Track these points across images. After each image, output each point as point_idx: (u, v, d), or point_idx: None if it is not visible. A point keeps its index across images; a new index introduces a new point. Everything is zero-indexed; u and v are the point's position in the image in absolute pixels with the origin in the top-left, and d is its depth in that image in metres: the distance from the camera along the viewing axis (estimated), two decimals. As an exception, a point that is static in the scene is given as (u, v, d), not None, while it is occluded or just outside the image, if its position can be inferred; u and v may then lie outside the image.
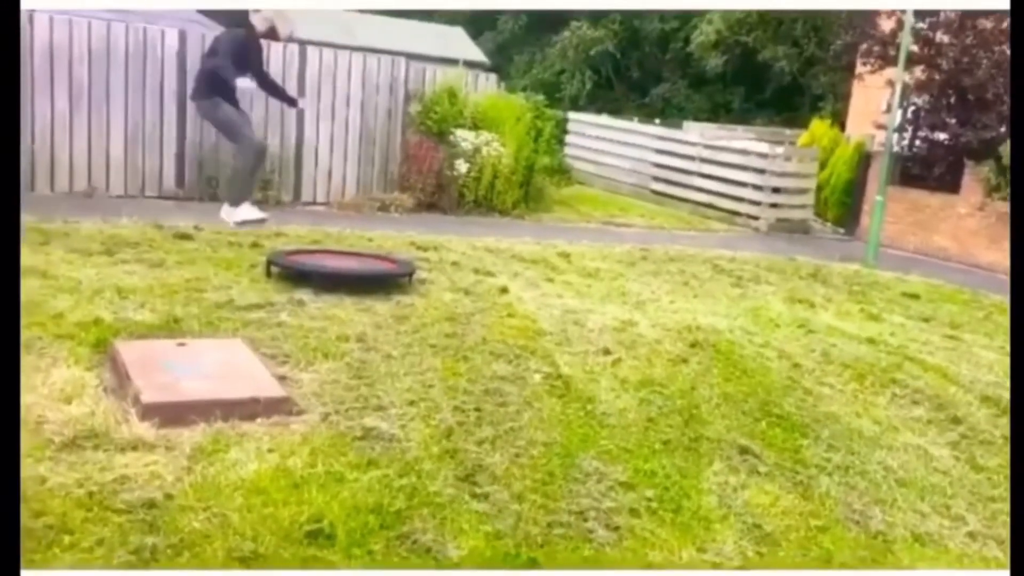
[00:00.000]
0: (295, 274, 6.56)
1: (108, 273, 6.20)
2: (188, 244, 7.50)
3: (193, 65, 10.44)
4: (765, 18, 22.81)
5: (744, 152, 14.51)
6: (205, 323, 5.31)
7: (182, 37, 10.46)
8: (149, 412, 3.83)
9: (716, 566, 3.32)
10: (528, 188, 12.59)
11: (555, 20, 26.15)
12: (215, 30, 13.11)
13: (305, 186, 11.34)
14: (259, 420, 3.97)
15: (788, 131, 18.16)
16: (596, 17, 25.34)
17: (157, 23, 11.38)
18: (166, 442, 3.68)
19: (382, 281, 6.74)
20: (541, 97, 15.68)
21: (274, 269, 6.63)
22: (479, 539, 3.26)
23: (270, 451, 3.69)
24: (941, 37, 13.05)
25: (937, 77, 13.08)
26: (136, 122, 10.30)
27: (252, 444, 3.74)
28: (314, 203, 11.32)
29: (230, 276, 6.52)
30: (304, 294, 6.17)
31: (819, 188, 14.83)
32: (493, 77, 13.45)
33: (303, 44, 11.67)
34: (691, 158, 15.34)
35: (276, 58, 10.95)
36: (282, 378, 4.51)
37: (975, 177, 12.73)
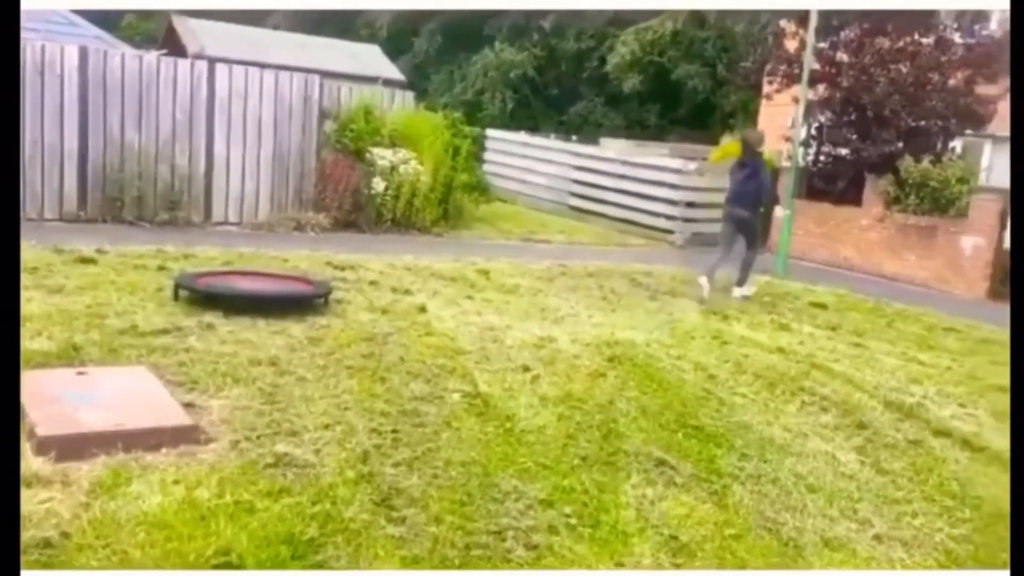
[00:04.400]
0: (205, 297, 6.37)
1: (3, 300, 5.90)
2: (90, 268, 7.21)
3: (96, 82, 10.11)
4: (677, 39, 23.46)
5: (659, 168, 14.83)
6: (107, 351, 5.10)
7: (83, 54, 10.11)
8: (45, 446, 3.64)
9: (634, 580, 3.33)
10: (447, 205, 12.57)
11: (472, 40, 26.25)
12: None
13: (216, 205, 11.06)
14: (164, 451, 3.82)
15: (701, 147, 18.61)
16: (516, 37, 25.56)
17: (57, 40, 10.97)
18: (63, 477, 3.50)
19: (296, 302, 6.60)
20: (459, 115, 15.68)
21: (182, 292, 6.42)
22: (395, 564, 3.20)
23: (175, 483, 3.55)
24: (841, 56, 13.61)
25: (838, 95, 13.63)
26: (35, 141, 9.88)
27: (156, 476, 3.59)
28: (226, 223, 11.04)
29: (135, 300, 6.29)
30: (214, 317, 5.99)
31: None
32: (410, 95, 13.40)
33: (212, 61, 11.43)
34: (608, 174, 15.57)
35: (183, 75, 10.69)
36: (189, 406, 4.36)
37: (875, 191, 13.28)
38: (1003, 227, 12.20)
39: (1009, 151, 3.43)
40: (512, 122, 22.51)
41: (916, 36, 13.18)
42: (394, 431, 4.36)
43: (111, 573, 2.83)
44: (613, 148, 17.35)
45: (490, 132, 19.31)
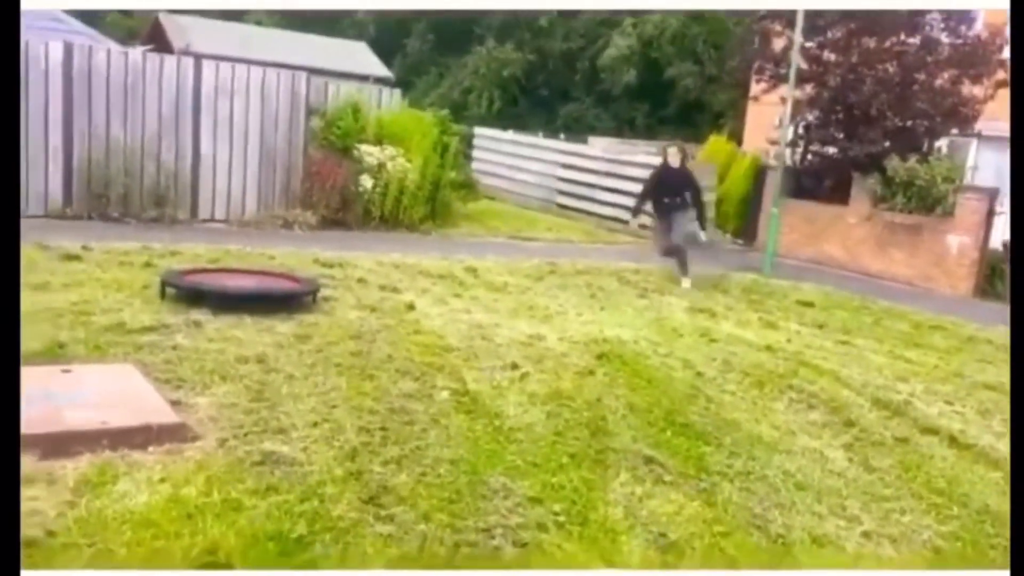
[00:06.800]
0: (191, 294, 6.32)
1: (-14, 297, 5.84)
2: (75, 265, 7.15)
3: (80, 79, 10.03)
4: (674, 36, 23.54)
5: (646, 166, 14.82)
6: (93, 348, 5.06)
7: (67, 50, 10.02)
8: (29, 444, 3.59)
9: (623, 577, 3.33)
10: (435, 203, 12.54)
11: (462, 40, 26.24)
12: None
13: (203, 203, 10.99)
14: (151, 448, 3.79)
15: (688, 146, 18.63)
16: (506, 37, 25.54)
17: (41, 36, 10.87)
18: (48, 475, 3.46)
19: (284, 300, 6.56)
20: (446, 112, 15.67)
21: (169, 290, 6.38)
22: (383, 562, 3.17)
23: (162, 480, 3.52)
24: (828, 56, 13.65)
25: (825, 94, 13.68)
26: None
27: (143, 474, 3.56)
28: (212, 220, 10.98)
29: (121, 298, 6.24)
30: (201, 315, 5.95)
31: (718, 201, 15.27)
32: (398, 93, 13.36)
33: (199, 57, 11.36)
34: (595, 172, 15.58)
35: (169, 71, 10.62)
36: (176, 403, 4.32)
37: (862, 189, 13.34)
38: (989, 226, 12.28)
39: (1009, 152, 3.45)
40: (498, 122, 22.50)
41: (902, 36, 13.25)
42: (382, 429, 4.34)
43: (111, 573, 2.80)
44: (600, 146, 17.36)
45: (478, 130, 19.30)
